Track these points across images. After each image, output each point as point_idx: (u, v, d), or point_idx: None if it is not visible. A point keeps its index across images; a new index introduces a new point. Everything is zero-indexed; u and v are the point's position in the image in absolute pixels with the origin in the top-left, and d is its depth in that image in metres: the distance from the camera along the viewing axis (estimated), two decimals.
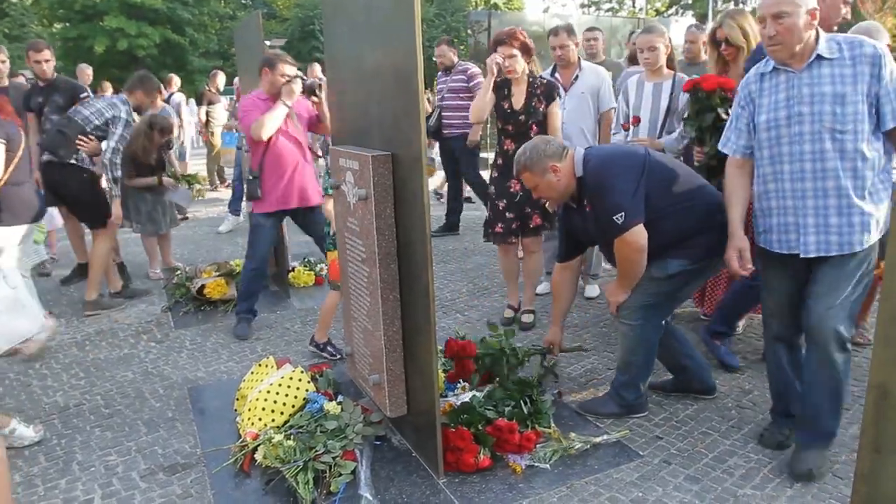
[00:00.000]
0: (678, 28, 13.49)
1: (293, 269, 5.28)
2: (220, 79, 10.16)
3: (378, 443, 2.87)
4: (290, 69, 4.01)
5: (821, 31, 2.38)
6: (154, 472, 2.76)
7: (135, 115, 4.93)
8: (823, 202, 2.38)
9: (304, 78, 4.08)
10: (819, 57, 2.36)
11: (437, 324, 4.32)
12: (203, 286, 4.71)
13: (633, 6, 39.63)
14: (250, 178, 4.11)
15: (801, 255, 2.45)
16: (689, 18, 33.86)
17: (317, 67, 9.78)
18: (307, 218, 4.32)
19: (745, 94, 2.57)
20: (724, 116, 3.08)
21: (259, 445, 2.73)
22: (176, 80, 10.22)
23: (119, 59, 26.32)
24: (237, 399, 3.21)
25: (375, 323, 2.75)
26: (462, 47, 25.87)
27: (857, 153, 2.33)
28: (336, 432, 2.77)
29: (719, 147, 2.72)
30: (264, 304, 4.76)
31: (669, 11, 36.66)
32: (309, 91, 4.15)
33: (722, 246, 2.68)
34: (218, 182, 10.47)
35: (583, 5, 41.87)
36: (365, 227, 2.70)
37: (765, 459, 2.68)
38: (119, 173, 4.62)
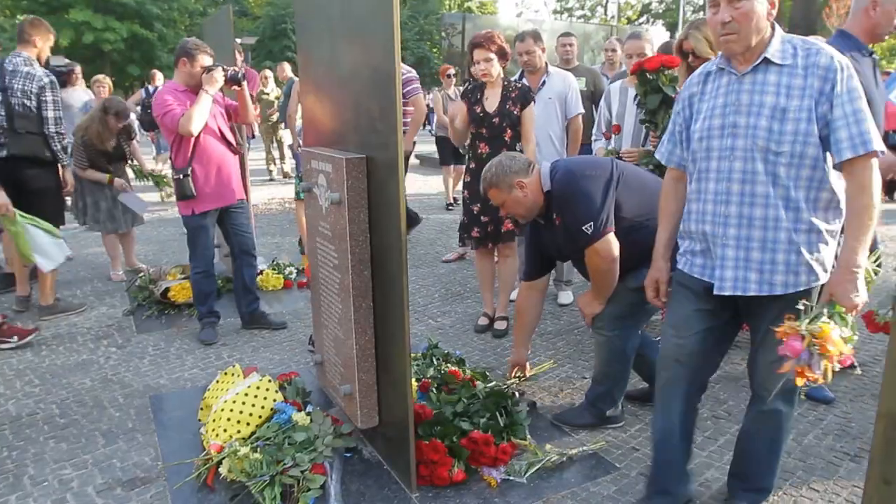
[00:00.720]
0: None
1: (261, 273, 5.14)
2: None
3: (348, 455, 2.78)
4: (208, 59, 3.87)
5: (777, 28, 2.01)
6: (112, 488, 2.63)
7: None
8: (747, 232, 2.00)
9: (226, 67, 3.90)
10: (767, 60, 1.97)
11: (410, 330, 4.26)
12: (168, 289, 4.56)
13: (605, 14, 40.08)
14: (180, 177, 3.86)
15: (715, 293, 2.07)
16: (658, 27, 34.36)
17: (286, 66, 9.65)
18: (232, 219, 4.13)
19: (686, 97, 2.20)
20: (672, 96, 3.06)
21: (224, 458, 2.61)
22: (159, 76, 10.02)
23: (84, 53, 25.71)
24: (201, 409, 3.08)
25: (347, 331, 2.66)
26: (435, 50, 25.79)
27: (793, 181, 1.94)
28: (305, 444, 2.67)
29: (655, 154, 2.43)
30: (231, 309, 4.62)
31: (640, 20, 37.12)
32: (232, 80, 3.95)
33: None
34: None
35: (555, 11, 42.24)
36: (338, 233, 2.61)
37: None
38: (67, 141, 4.50)
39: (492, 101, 3.94)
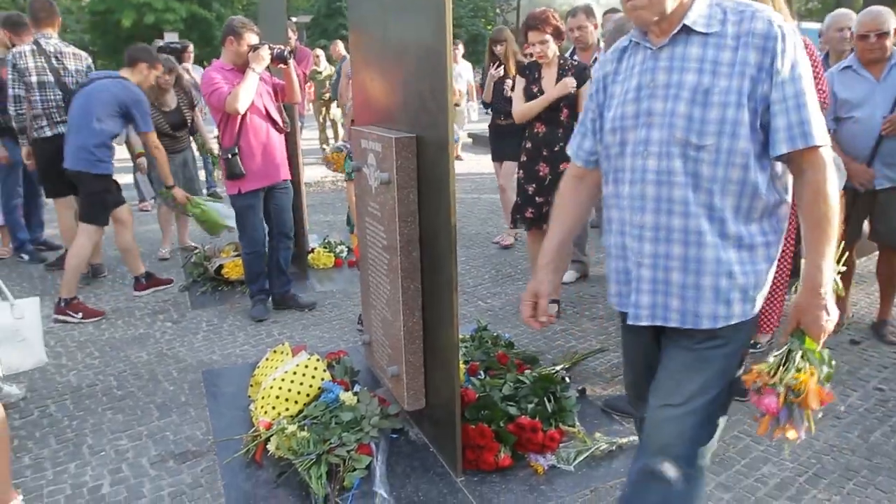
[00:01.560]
0: None
1: (313, 251, 5.18)
2: None
3: (394, 436, 2.77)
4: (255, 38, 3.84)
5: None
6: (164, 460, 2.69)
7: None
8: (665, 248, 1.59)
9: (272, 45, 3.87)
10: (687, 29, 1.54)
11: (460, 311, 4.22)
12: (221, 266, 4.64)
13: None
14: (228, 156, 3.84)
15: (629, 322, 1.70)
16: None
17: (339, 44, 9.63)
18: (275, 199, 4.12)
19: (599, 78, 1.78)
20: None
21: (272, 436, 2.64)
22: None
23: (146, 34, 26.30)
24: (251, 385, 3.13)
25: (395, 312, 2.64)
26: (490, 27, 25.47)
27: (719, 183, 1.52)
28: (352, 424, 2.67)
29: (567, 149, 1.96)
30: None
31: None
32: (279, 59, 3.91)
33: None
34: None
35: None
36: (387, 213, 2.58)
37: (801, 468, 2.54)
38: (25, 123, 4.59)
39: (548, 80, 3.85)
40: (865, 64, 3.40)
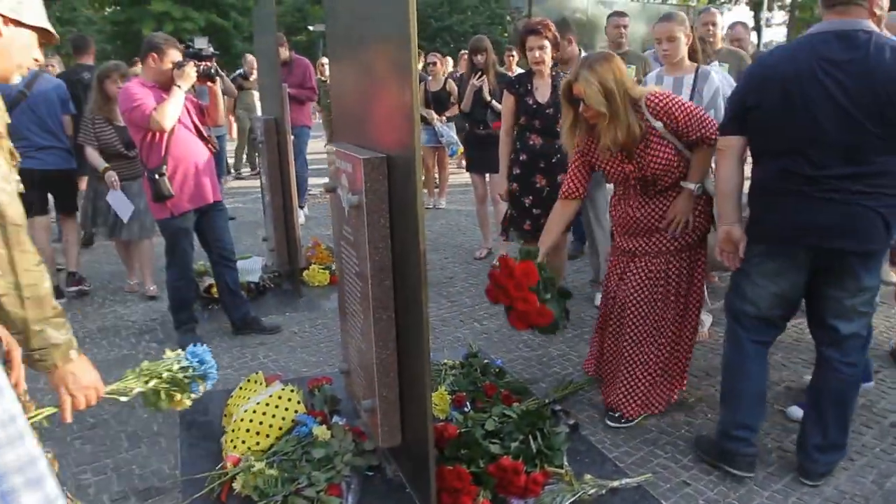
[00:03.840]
0: (731, 18, 12.84)
1: (307, 267, 5.03)
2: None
3: (370, 473, 2.60)
4: (177, 54, 3.64)
5: None
6: (126, 497, 2.55)
7: None
8: None
9: (198, 63, 3.68)
10: None
11: (453, 333, 4.06)
12: (211, 285, 4.50)
13: None
14: (155, 176, 3.56)
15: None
16: (742, 8, 32.68)
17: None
18: (212, 220, 3.90)
19: None
20: None
21: (239, 473, 2.48)
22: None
23: None
24: (225, 416, 2.97)
25: (368, 343, 2.47)
26: (506, 35, 25.33)
27: None
28: (323, 461, 2.51)
29: None
30: (273, 305, 4.56)
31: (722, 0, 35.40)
32: (205, 76, 3.73)
33: None
34: (249, 168, 10.31)
35: None
36: (358, 238, 2.41)
37: None
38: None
39: (542, 91, 3.75)
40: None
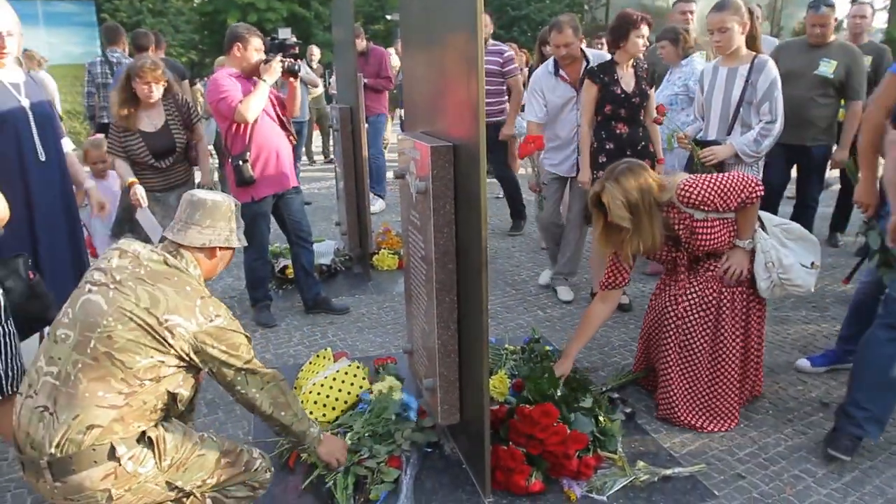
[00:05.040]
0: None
1: (377, 252, 5.20)
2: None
3: (429, 450, 2.72)
4: (260, 42, 3.80)
5: None
6: None
7: None
8: None
9: (283, 59, 3.83)
10: None
11: (516, 320, 4.13)
12: (286, 266, 4.72)
13: None
14: (239, 163, 3.78)
15: None
16: None
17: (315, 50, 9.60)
18: (287, 206, 4.08)
19: None
20: None
21: None
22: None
23: None
24: (294, 388, 3.15)
25: (431, 324, 2.58)
26: (582, 23, 24.88)
27: None
28: (385, 436, 2.64)
29: None
30: (343, 287, 4.73)
31: None
32: (289, 72, 3.88)
33: None
34: (323, 157, 10.58)
35: None
36: (424, 223, 2.52)
37: None
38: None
39: (627, 80, 3.82)
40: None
